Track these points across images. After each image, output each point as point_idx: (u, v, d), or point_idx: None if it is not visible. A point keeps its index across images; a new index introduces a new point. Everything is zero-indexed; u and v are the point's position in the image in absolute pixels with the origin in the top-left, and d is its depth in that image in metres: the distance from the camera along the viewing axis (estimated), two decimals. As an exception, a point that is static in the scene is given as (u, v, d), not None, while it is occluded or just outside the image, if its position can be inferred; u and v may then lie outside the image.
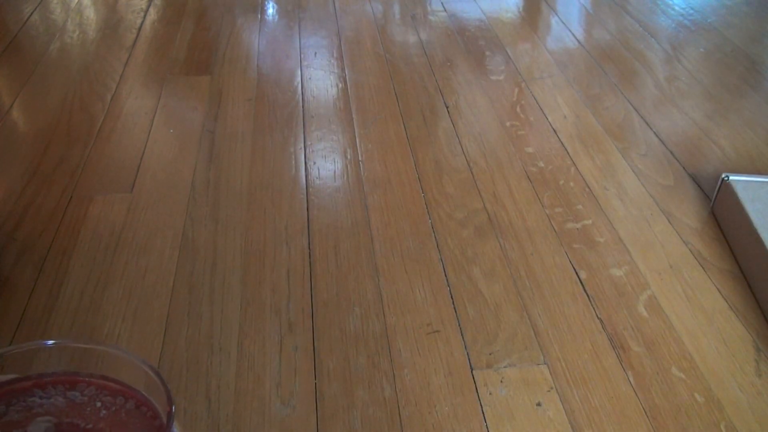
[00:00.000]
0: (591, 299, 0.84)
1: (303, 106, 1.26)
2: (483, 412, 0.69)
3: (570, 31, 1.62)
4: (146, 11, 1.68)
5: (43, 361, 0.30)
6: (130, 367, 0.30)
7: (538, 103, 1.29)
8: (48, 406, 0.29)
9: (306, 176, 1.06)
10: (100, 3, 1.75)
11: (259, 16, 1.66)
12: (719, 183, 0.98)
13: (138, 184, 1.04)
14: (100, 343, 0.30)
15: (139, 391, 0.31)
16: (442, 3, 1.75)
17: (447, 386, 0.72)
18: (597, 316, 0.82)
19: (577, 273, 0.88)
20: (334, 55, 1.46)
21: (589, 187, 1.05)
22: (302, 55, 1.46)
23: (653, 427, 0.69)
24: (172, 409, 0.29)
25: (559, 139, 1.17)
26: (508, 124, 1.21)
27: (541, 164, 1.10)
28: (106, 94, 1.30)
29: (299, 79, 1.36)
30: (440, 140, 1.16)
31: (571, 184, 1.05)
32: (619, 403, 0.71)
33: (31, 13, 1.67)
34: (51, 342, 0.30)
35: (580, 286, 0.86)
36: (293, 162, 1.09)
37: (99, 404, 0.30)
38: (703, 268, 0.90)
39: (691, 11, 1.74)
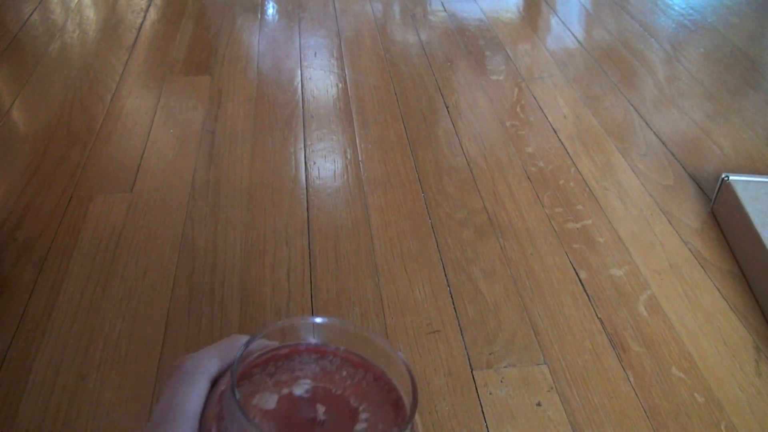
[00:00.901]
0: (591, 299, 0.84)
1: (303, 106, 1.26)
2: (483, 412, 0.69)
3: (570, 31, 1.62)
4: (146, 11, 1.68)
5: (296, 334, 0.36)
6: (371, 346, 0.35)
7: (538, 103, 1.29)
8: (306, 371, 0.34)
9: (306, 176, 1.06)
10: (100, 3, 1.75)
11: (259, 16, 1.65)
12: (719, 183, 0.98)
13: (138, 184, 1.04)
14: (355, 325, 0.35)
15: (377, 366, 0.35)
16: (442, 3, 1.75)
17: (447, 386, 0.72)
18: (597, 316, 0.82)
19: (577, 273, 0.88)
20: (334, 55, 1.46)
21: (589, 187, 1.05)
22: (302, 55, 1.46)
23: (653, 427, 0.69)
24: (416, 386, 0.32)
25: (559, 139, 1.17)
26: (508, 124, 1.21)
27: (541, 164, 1.10)
28: (106, 94, 1.30)
29: (299, 79, 1.36)
30: (440, 140, 1.16)
31: (571, 184, 1.05)
32: (619, 403, 0.71)
33: (31, 13, 1.67)
34: (320, 319, 0.35)
35: (580, 286, 0.86)
36: (293, 162, 1.09)
37: (344, 374, 0.34)
38: (703, 268, 0.90)
39: (691, 11, 1.74)
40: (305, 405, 0.33)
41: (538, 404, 0.70)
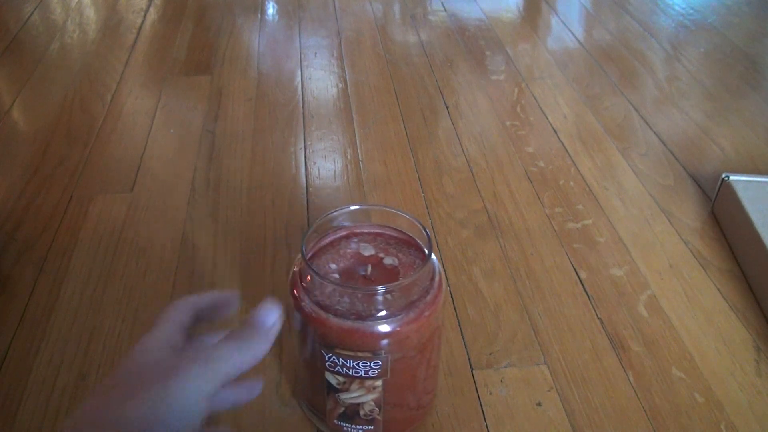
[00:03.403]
0: (591, 299, 0.84)
1: (303, 106, 1.26)
2: (483, 412, 0.69)
3: (570, 31, 1.62)
4: (146, 11, 1.68)
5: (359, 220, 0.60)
6: (403, 220, 0.58)
7: (538, 103, 1.29)
8: (360, 245, 0.59)
9: (306, 176, 1.06)
10: (100, 3, 1.75)
11: (259, 16, 1.66)
12: (719, 183, 0.98)
13: (138, 184, 1.04)
14: (386, 206, 0.63)
15: (408, 234, 0.59)
16: (442, 3, 1.75)
17: (447, 386, 0.72)
18: (597, 316, 0.82)
19: (577, 273, 0.88)
20: (334, 55, 1.46)
21: (589, 187, 1.05)
22: (302, 55, 1.46)
23: (653, 427, 0.69)
24: (429, 241, 0.56)
25: (559, 139, 1.17)
26: (508, 123, 1.21)
27: (542, 164, 1.10)
28: (106, 94, 1.30)
29: (299, 79, 1.36)
30: (440, 140, 1.16)
31: (571, 183, 1.05)
32: (619, 403, 0.71)
33: (31, 13, 1.67)
34: (356, 207, 0.62)
35: (580, 286, 0.86)
36: (293, 162, 1.09)
37: (389, 243, 0.59)
38: (703, 268, 0.90)
39: (691, 11, 1.75)
40: (360, 266, 0.56)
41: (538, 404, 0.71)
